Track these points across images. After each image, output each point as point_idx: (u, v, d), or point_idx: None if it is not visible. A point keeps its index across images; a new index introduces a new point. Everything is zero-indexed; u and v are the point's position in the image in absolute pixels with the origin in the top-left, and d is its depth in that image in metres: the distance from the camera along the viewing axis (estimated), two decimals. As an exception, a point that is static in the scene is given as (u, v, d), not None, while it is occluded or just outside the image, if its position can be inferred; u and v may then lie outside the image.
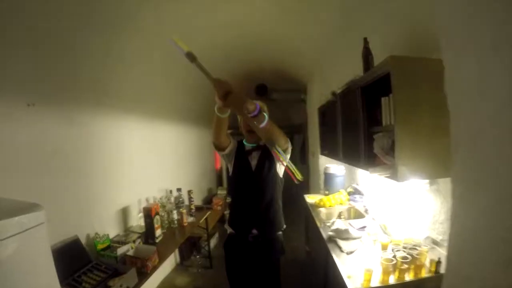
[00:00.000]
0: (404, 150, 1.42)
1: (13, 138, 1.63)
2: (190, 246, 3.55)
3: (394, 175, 1.47)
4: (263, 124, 1.29)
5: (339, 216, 2.56)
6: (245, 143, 2.00)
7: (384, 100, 1.59)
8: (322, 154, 3.61)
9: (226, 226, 2.01)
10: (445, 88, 0.99)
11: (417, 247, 1.60)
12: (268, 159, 1.91)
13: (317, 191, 4.14)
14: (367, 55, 1.86)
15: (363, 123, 1.85)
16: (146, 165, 3.19)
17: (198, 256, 3.50)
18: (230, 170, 2.00)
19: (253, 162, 1.93)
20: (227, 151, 1.86)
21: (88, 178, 2.24)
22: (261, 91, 5.61)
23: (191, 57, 1.11)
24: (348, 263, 1.70)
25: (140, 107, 3.05)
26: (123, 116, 2.77)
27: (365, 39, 1.87)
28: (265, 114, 1.31)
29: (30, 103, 1.71)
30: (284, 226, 1.98)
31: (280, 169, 1.93)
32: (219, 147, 1.82)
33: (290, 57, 4.28)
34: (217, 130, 1.63)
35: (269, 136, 1.38)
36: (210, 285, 3.29)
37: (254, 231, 1.88)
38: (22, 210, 1.06)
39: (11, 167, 1.61)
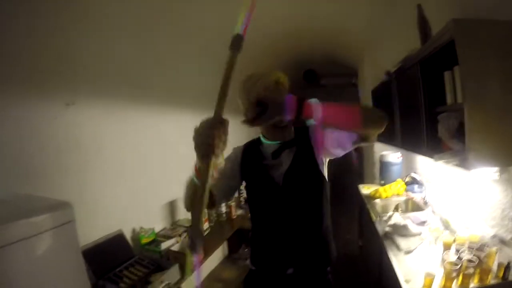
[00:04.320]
0: (474, 133, 1.18)
1: (53, 137, 1.66)
2: (239, 239, 3.50)
3: (464, 163, 1.23)
4: (318, 114, 0.94)
5: (396, 209, 2.31)
6: (263, 140, 1.27)
7: (447, 74, 1.36)
8: (378, 140, 3.32)
9: (249, 263, 1.36)
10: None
11: (484, 248, 1.35)
12: (305, 159, 1.20)
13: (371, 181, 3.86)
14: (423, 24, 1.60)
15: (424, 103, 1.61)
16: (193, 156, 3.13)
17: (246, 250, 3.42)
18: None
19: (278, 169, 1.21)
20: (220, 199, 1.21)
21: (132, 173, 2.24)
22: (310, 77, 5.37)
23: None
24: (405, 264, 1.52)
25: (182, 98, 2.93)
26: (164, 109, 2.69)
27: (419, 6, 1.61)
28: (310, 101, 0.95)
29: (69, 103, 1.73)
30: (335, 255, 1.30)
31: (326, 165, 1.26)
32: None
33: (338, 39, 3.99)
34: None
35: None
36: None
37: (290, 271, 1.22)
38: (52, 208, 1.09)
39: (53, 165, 1.65)
